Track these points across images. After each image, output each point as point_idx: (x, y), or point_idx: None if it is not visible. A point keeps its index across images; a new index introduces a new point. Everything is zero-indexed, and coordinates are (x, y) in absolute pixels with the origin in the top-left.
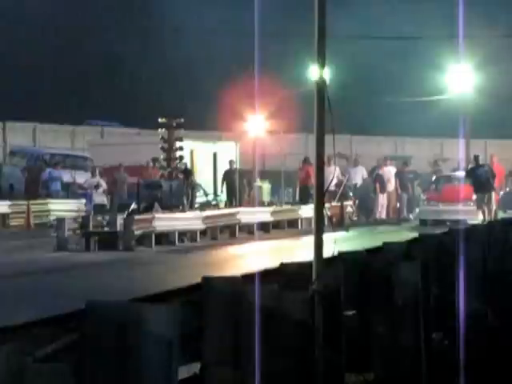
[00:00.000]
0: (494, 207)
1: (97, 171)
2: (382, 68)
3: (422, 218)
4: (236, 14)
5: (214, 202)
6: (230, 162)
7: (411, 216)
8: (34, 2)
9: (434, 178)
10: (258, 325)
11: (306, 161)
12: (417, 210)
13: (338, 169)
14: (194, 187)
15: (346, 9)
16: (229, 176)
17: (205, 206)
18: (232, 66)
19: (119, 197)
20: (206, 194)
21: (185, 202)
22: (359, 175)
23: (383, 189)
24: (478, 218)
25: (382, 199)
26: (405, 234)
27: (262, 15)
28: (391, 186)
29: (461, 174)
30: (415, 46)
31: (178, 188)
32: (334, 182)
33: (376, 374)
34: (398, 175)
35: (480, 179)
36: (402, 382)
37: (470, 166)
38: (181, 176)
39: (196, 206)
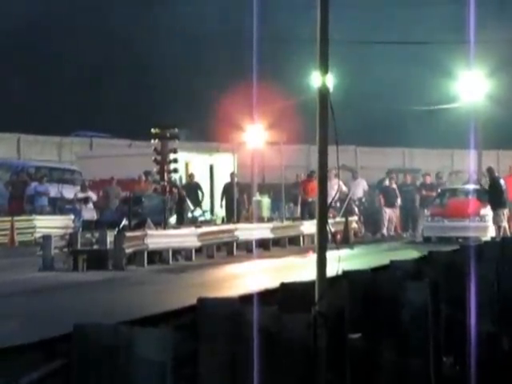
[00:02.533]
0: (505, 223)
1: (86, 185)
2: (389, 75)
3: (426, 235)
4: (233, 19)
5: (202, 218)
6: (231, 175)
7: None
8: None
9: (438, 191)
10: (256, 349)
11: (310, 174)
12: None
13: (341, 182)
14: (181, 201)
15: (351, 12)
16: (229, 190)
17: (190, 222)
18: (229, 74)
19: (111, 213)
20: (192, 210)
21: (169, 218)
22: (360, 188)
23: (390, 203)
24: (487, 235)
25: (389, 214)
26: (413, 252)
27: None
28: (398, 200)
29: (470, 186)
30: (424, 51)
31: (160, 203)
32: (337, 196)
33: None
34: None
35: (498, 193)
36: None
37: (487, 180)
38: (175, 190)
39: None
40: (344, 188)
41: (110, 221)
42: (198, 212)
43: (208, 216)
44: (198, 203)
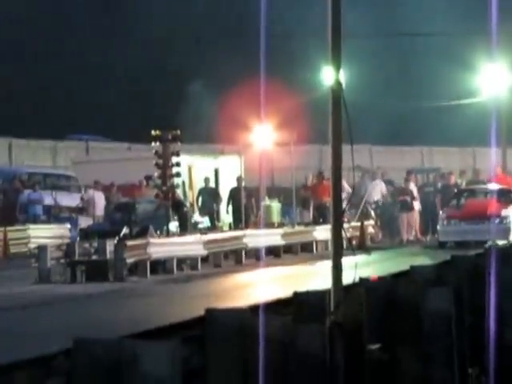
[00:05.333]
0: None
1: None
2: (406, 69)
3: (442, 239)
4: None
5: (201, 226)
6: (238, 179)
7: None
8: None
9: (455, 191)
10: (268, 362)
11: (320, 175)
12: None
13: (344, 183)
14: (179, 207)
15: (364, 4)
16: (236, 195)
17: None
18: (234, 71)
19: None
20: (191, 216)
21: (165, 225)
22: (377, 190)
23: (409, 206)
24: (509, 238)
25: (409, 218)
26: (434, 257)
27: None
28: (417, 203)
29: (489, 186)
30: (442, 43)
31: (154, 210)
32: (349, 198)
33: None
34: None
35: None
36: None
37: None
38: (180, 196)
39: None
40: (347, 188)
41: (102, 229)
42: (197, 217)
43: (207, 223)
44: (211, 209)
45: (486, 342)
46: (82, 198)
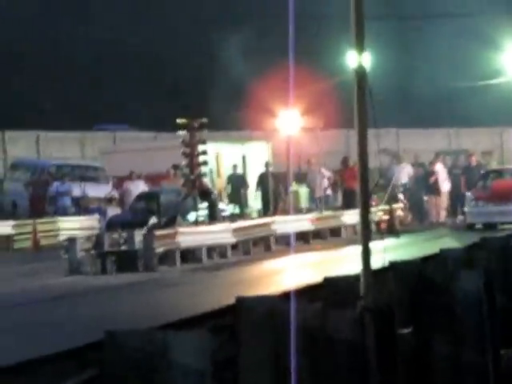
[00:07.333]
0: None
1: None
2: (430, 51)
3: (469, 221)
4: None
5: (224, 214)
6: (267, 164)
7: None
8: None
9: (481, 172)
10: (300, 349)
11: (345, 160)
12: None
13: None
14: (207, 196)
15: None
16: (265, 180)
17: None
18: (259, 56)
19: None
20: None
21: (189, 216)
22: (404, 173)
23: (438, 188)
24: None
25: (438, 200)
26: (464, 239)
27: None
28: (446, 185)
29: None
30: (468, 23)
31: (180, 199)
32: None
33: None
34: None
35: None
36: None
37: None
38: (208, 184)
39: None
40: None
41: (124, 220)
42: (221, 206)
43: (231, 210)
44: (240, 196)
45: None
46: (115, 188)
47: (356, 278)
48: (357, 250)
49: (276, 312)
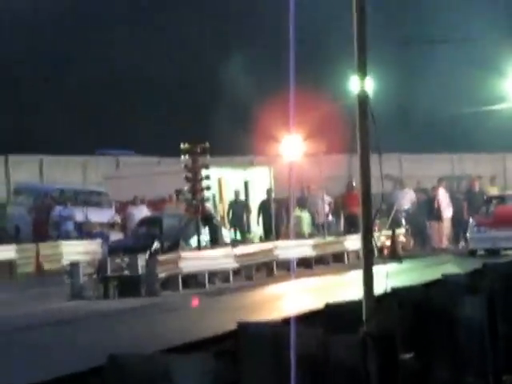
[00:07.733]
0: None
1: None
2: (433, 76)
3: (472, 247)
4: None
5: (227, 240)
6: (268, 192)
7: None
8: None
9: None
10: (302, 374)
11: (349, 185)
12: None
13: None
14: (209, 221)
15: (388, 11)
16: (266, 207)
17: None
18: (261, 81)
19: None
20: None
21: (191, 241)
22: (407, 199)
23: (440, 214)
24: None
25: (440, 225)
26: (466, 265)
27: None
28: (449, 211)
29: None
30: (470, 49)
31: (182, 224)
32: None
33: None
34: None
35: None
36: None
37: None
38: (210, 209)
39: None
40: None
41: (126, 245)
42: (225, 232)
43: (232, 236)
44: (242, 222)
45: None
46: (118, 212)
47: (358, 303)
48: (359, 275)
49: (277, 337)
